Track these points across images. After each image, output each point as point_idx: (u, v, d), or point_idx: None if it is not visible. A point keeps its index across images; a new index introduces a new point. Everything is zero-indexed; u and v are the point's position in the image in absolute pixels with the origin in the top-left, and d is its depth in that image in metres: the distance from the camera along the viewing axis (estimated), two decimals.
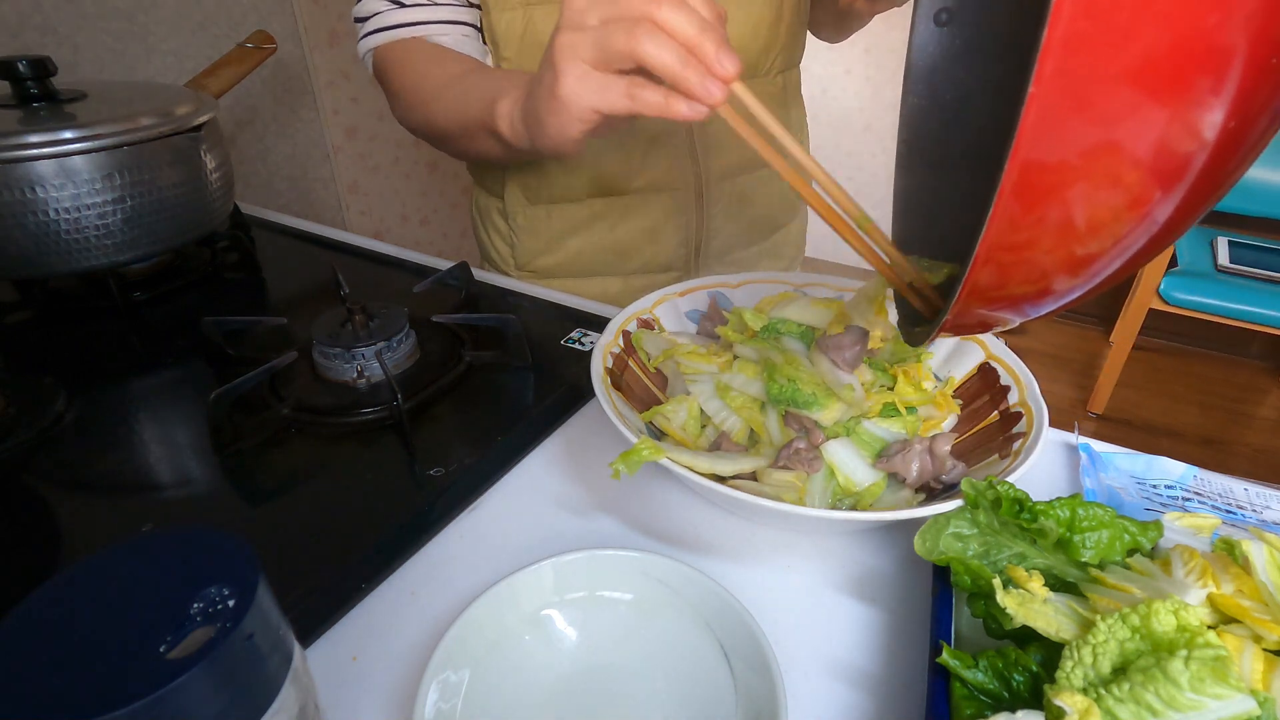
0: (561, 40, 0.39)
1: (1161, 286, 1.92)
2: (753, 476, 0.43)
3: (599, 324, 0.62)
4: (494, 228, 0.80)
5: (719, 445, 0.46)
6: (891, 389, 0.48)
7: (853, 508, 0.42)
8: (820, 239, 2.94)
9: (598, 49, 0.37)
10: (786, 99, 0.78)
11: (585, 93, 0.39)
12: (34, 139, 0.55)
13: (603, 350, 0.47)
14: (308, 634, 0.36)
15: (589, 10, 0.37)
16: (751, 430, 0.46)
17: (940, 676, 0.29)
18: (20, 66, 0.60)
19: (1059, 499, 0.34)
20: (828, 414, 0.44)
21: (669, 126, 0.70)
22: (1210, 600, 0.29)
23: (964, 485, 0.34)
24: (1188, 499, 0.44)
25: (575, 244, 0.76)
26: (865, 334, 0.46)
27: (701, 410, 0.47)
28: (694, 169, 0.73)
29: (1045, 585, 0.30)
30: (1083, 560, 0.32)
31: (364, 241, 0.80)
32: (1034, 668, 0.28)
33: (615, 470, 0.38)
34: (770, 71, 0.73)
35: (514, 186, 0.76)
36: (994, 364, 0.49)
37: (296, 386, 0.52)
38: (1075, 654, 0.26)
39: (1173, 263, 1.99)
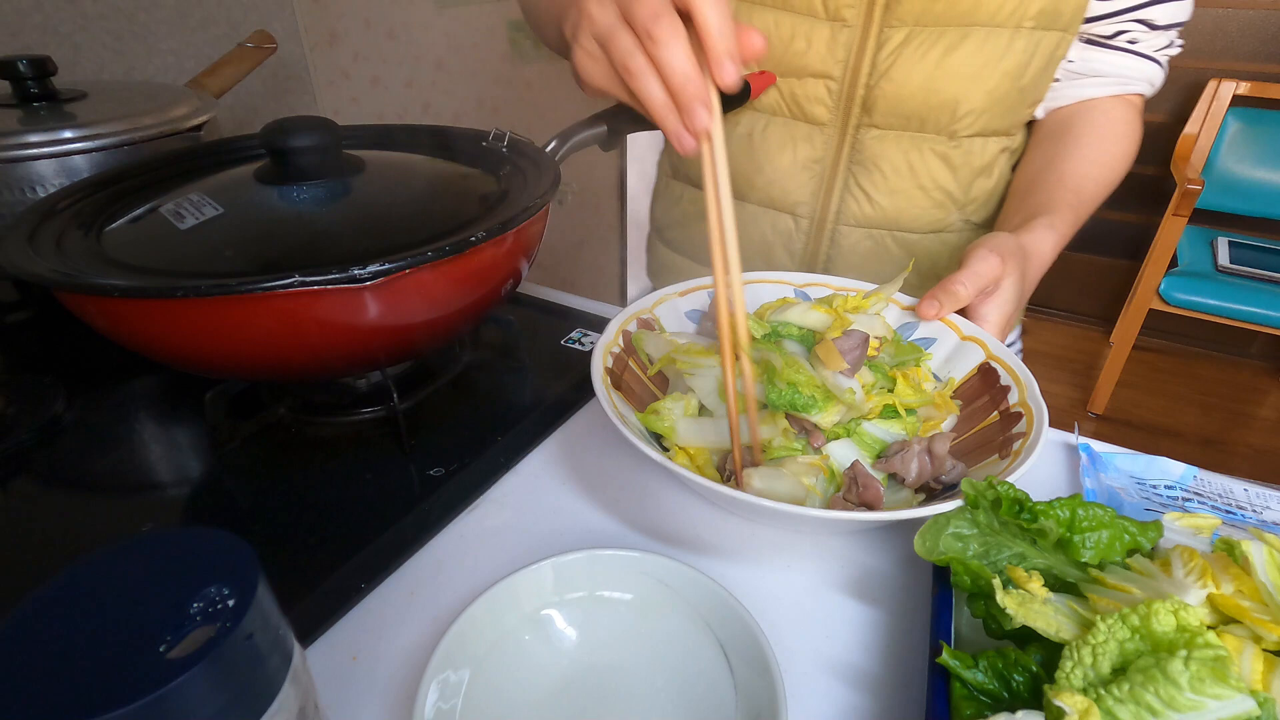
0: (588, 8, 0.38)
1: (1162, 287, 1.92)
2: (752, 461, 0.43)
3: (599, 324, 0.62)
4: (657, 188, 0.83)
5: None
6: (891, 390, 0.48)
7: None
8: None
9: (606, 44, 0.38)
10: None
11: (592, 70, 0.40)
12: (34, 139, 0.55)
13: (603, 350, 0.47)
14: (308, 634, 0.36)
15: None
16: None
17: (940, 676, 0.29)
18: (20, 66, 0.60)
19: (1059, 499, 0.34)
20: (828, 417, 0.44)
21: (803, 148, 0.66)
22: (1210, 600, 0.29)
23: (964, 485, 0.34)
24: (1188, 499, 0.44)
25: (700, 231, 0.75)
26: (865, 337, 0.46)
27: (701, 406, 0.47)
28: (820, 202, 0.68)
29: (1045, 585, 0.30)
30: (1083, 560, 0.32)
31: None
32: (1034, 668, 0.28)
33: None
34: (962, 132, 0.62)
35: (665, 155, 0.79)
36: (994, 364, 0.49)
37: (295, 386, 0.52)
38: (1075, 654, 0.26)
39: (1173, 263, 1.99)
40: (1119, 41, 0.62)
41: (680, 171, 0.78)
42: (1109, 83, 0.64)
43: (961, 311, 0.52)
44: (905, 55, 0.58)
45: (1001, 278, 0.51)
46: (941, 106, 0.61)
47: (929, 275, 0.70)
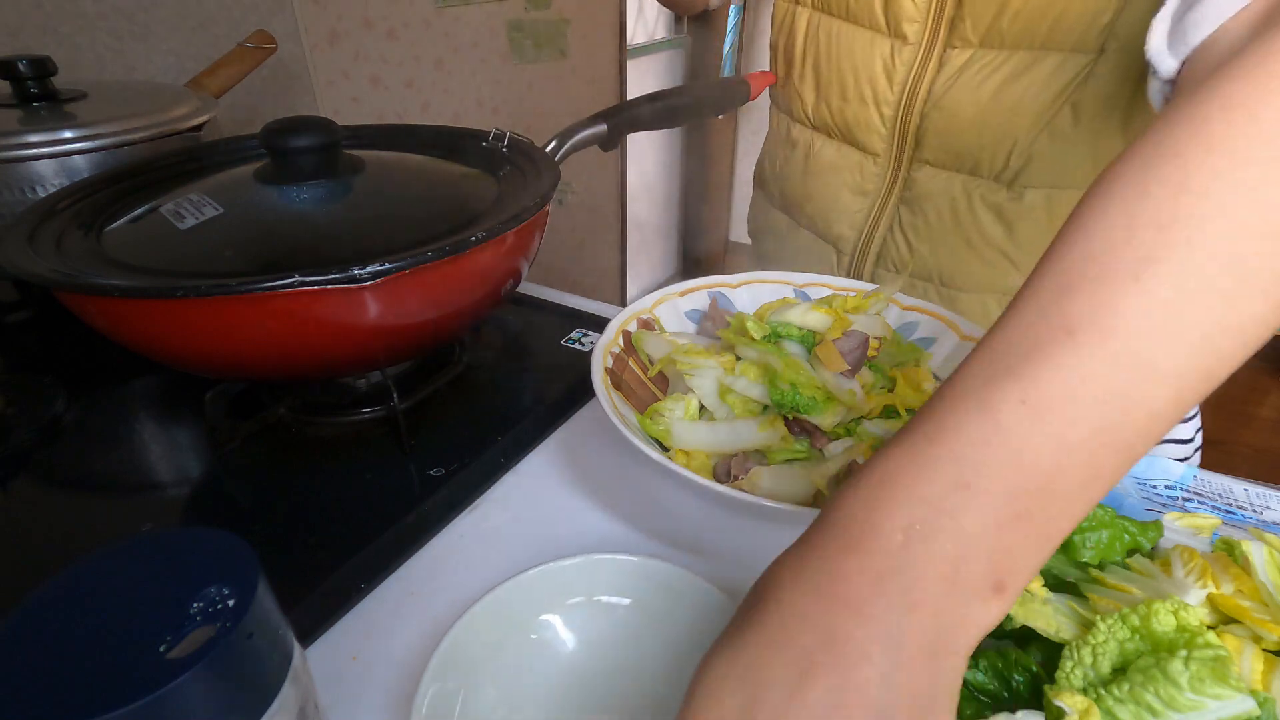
0: None
1: None
2: (761, 458, 0.43)
3: (599, 324, 0.62)
4: None
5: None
6: (891, 390, 0.48)
7: None
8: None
9: None
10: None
11: None
12: (34, 139, 0.55)
13: (603, 350, 0.47)
14: (308, 634, 0.36)
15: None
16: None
17: None
18: (20, 66, 0.60)
19: None
20: (828, 418, 0.44)
21: (852, 177, 0.59)
22: (1210, 600, 0.29)
23: None
24: (1188, 499, 0.44)
25: (769, 245, 0.72)
26: (865, 338, 0.46)
27: (701, 406, 0.47)
28: (862, 241, 0.61)
29: (1045, 585, 0.30)
30: (1083, 560, 0.32)
31: None
32: (1034, 668, 0.28)
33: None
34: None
35: (756, 168, 0.76)
36: None
37: (295, 386, 0.52)
38: (1075, 654, 0.26)
39: None
40: None
41: (760, 180, 0.74)
42: None
43: None
44: (962, 81, 0.49)
45: None
46: (996, 147, 0.51)
47: None
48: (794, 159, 0.64)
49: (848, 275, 0.64)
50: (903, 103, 0.53)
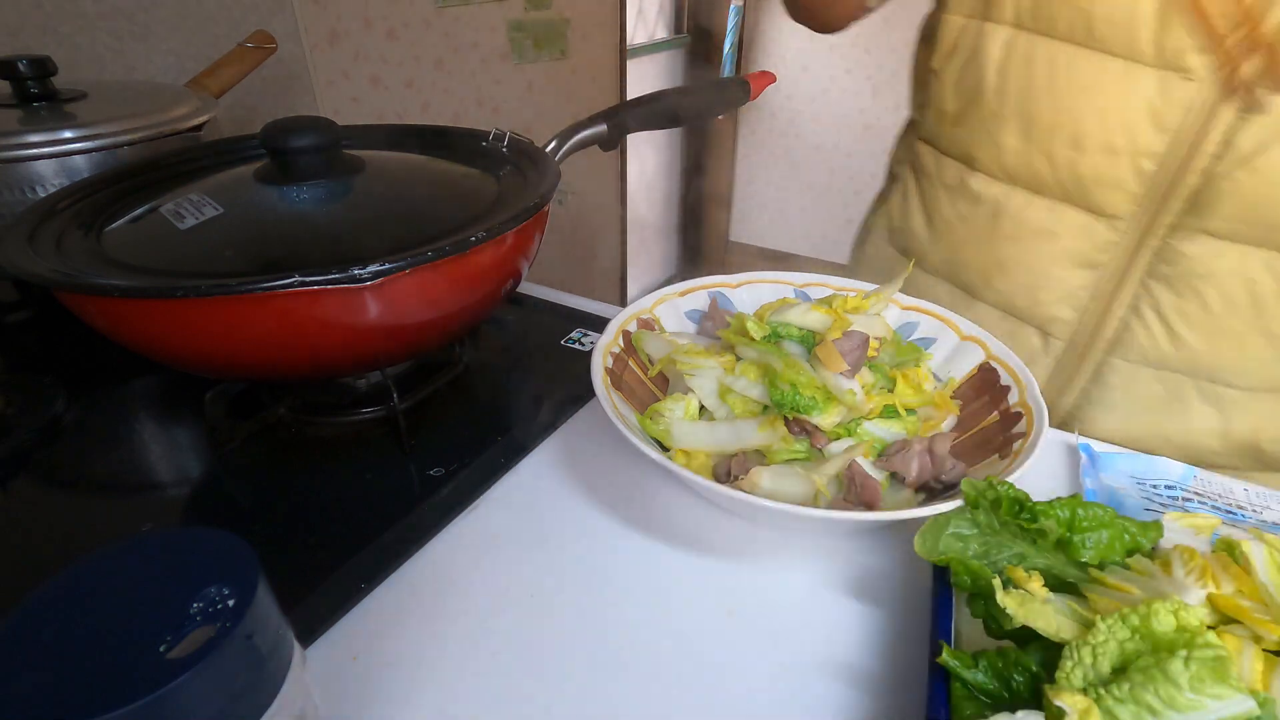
0: None
1: None
2: (760, 458, 0.43)
3: (599, 324, 0.62)
4: None
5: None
6: (891, 391, 0.48)
7: None
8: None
9: None
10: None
11: None
12: (34, 139, 0.55)
13: (603, 350, 0.47)
14: (308, 634, 0.36)
15: None
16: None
17: (940, 676, 0.29)
18: (20, 66, 0.60)
19: (1059, 499, 0.34)
20: (828, 418, 0.44)
21: (1075, 243, 0.48)
22: (1210, 600, 0.29)
23: (964, 485, 0.34)
24: (1188, 499, 0.44)
25: None
26: (866, 338, 0.46)
27: (701, 406, 0.47)
28: (1091, 322, 0.51)
29: (1045, 585, 0.30)
30: (1083, 560, 0.32)
31: None
32: (1034, 668, 0.28)
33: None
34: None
35: (881, 218, 0.65)
36: (994, 364, 0.49)
37: (295, 386, 0.52)
38: (1075, 654, 0.26)
39: None
40: None
41: (899, 237, 0.61)
42: None
43: None
44: None
45: None
46: None
47: (1246, 447, 0.49)
48: (975, 218, 0.53)
49: (1057, 364, 0.52)
50: (1174, 156, 0.43)
